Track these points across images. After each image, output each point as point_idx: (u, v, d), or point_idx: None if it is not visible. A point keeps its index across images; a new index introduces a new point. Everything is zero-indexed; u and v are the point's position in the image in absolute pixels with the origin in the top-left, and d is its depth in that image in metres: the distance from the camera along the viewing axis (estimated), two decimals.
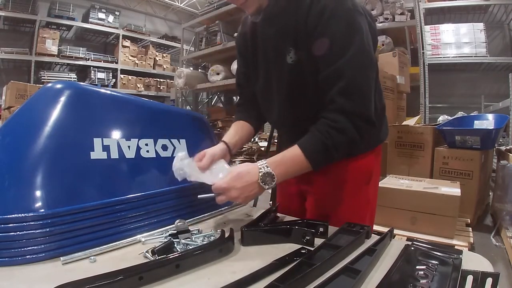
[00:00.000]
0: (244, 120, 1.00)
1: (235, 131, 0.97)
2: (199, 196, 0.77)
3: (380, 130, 0.95)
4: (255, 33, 0.89)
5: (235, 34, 5.59)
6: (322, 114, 0.76)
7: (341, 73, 0.72)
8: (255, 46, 0.90)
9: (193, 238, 0.71)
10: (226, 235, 0.69)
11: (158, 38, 8.61)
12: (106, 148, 0.74)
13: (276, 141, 1.23)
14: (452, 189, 1.91)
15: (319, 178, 0.91)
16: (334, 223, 0.79)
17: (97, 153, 0.72)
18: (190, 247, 0.67)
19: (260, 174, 0.71)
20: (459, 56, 4.12)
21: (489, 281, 0.49)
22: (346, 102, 0.72)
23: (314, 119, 0.77)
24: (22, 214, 0.59)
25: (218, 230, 0.74)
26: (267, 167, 0.72)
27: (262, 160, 0.74)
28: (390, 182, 2.13)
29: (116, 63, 7.66)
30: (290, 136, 0.79)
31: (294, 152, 0.74)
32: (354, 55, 0.71)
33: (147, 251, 0.64)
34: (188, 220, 0.82)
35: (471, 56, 4.08)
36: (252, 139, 4.80)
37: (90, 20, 7.15)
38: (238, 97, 1.07)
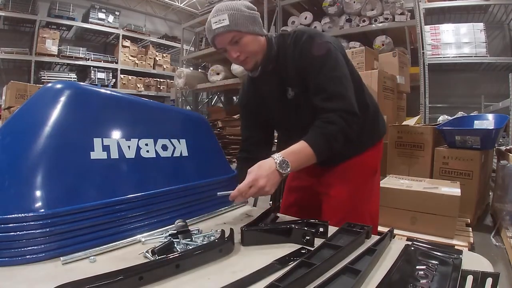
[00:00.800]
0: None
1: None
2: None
3: (378, 126, 1.14)
4: (258, 85, 1.10)
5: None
6: (317, 118, 0.94)
7: (322, 87, 0.93)
8: (261, 93, 1.10)
9: (193, 238, 0.71)
10: (226, 235, 0.69)
11: (158, 38, 8.62)
12: (106, 148, 0.74)
13: (276, 141, 1.31)
14: (452, 189, 1.90)
15: (335, 177, 1.09)
16: (348, 210, 1.02)
17: (97, 153, 0.72)
18: (190, 247, 0.67)
19: (277, 161, 0.82)
20: (459, 56, 4.13)
21: (489, 281, 0.49)
22: (331, 104, 0.92)
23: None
24: (22, 214, 0.59)
25: (218, 230, 0.74)
26: (281, 156, 0.84)
27: (275, 154, 0.86)
28: (390, 182, 2.12)
29: (116, 63, 7.66)
30: (295, 138, 0.91)
31: (299, 144, 0.88)
32: (328, 72, 0.93)
33: (147, 251, 0.64)
34: (188, 220, 0.82)
35: (471, 56, 4.09)
36: None
37: (90, 20, 7.16)
38: (240, 150, 1.20)
